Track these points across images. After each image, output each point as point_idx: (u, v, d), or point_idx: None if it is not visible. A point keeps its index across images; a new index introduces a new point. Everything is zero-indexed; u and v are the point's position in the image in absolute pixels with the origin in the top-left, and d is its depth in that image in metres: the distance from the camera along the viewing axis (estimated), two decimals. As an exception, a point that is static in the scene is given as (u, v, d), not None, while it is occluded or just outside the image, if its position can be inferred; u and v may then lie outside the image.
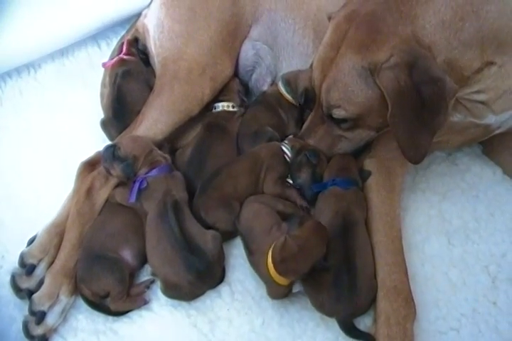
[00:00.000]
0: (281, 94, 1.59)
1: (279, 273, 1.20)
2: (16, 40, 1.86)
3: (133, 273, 1.38)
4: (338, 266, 1.23)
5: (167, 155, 1.47)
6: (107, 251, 1.35)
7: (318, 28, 1.61)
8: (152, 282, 1.37)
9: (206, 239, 1.31)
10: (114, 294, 1.31)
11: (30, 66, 1.95)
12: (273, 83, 1.68)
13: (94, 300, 1.33)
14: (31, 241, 1.42)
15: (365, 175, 1.39)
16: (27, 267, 1.37)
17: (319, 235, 1.21)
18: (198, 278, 1.27)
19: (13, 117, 1.84)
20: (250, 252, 1.32)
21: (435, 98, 1.16)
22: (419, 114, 1.17)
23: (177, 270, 1.26)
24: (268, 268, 1.22)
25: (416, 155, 1.23)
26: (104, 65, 1.77)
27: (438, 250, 1.38)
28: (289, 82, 1.58)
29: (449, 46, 1.17)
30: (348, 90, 1.23)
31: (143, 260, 1.39)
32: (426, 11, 1.17)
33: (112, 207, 1.45)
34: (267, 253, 1.23)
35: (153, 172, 1.41)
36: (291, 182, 1.44)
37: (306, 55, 1.64)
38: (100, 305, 1.33)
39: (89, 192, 1.45)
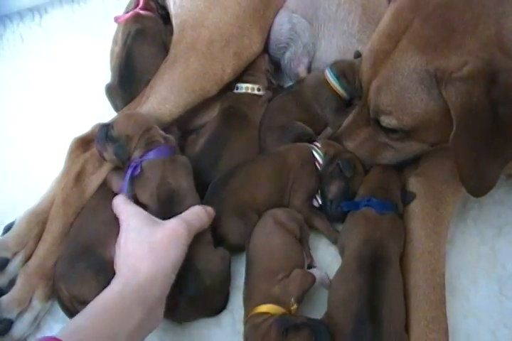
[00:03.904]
0: (326, 83, 1.32)
1: None
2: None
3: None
4: (360, 313, 0.99)
5: (170, 136, 1.22)
6: (95, 245, 1.13)
7: (368, 5, 1.35)
8: None
9: (209, 258, 1.08)
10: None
11: (35, 10, 1.74)
12: (310, 65, 1.41)
13: (69, 306, 1.11)
14: (7, 229, 1.22)
15: (408, 198, 1.14)
16: None
17: None
18: (190, 304, 1.05)
19: (9, 67, 1.65)
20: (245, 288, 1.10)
21: None
22: (491, 140, 0.93)
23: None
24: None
25: (478, 187, 1.00)
26: (116, 19, 1.53)
27: (486, 300, 1.13)
28: (344, 72, 1.31)
29: None
30: (405, 97, 0.99)
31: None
32: None
33: (107, 192, 1.23)
34: (251, 312, 1.02)
35: (150, 154, 1.16)
36: (319, 200, 1.21)
37: (349, 34, 1.37)
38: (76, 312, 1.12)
39: (80, 176, 1.23)
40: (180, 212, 1.08)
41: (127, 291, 0.94)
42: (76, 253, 1.13)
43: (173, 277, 0.99)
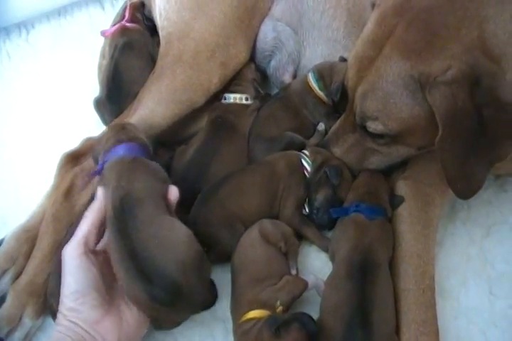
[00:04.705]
0: (310, 89, 1.32)
1: None
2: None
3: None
4: (351, 318, 0.99)
5: (143, 137, 1.14)
6: None
7: (353, 10, 1.33)
8: None
9: (174, 258, 0.96)
10: None
11: (22, 26, 1.75)
12: (295, 73, 1.41)
13: None
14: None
15: (396, 202, 1.14)
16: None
17: None
18: (167, 306, 0.97)
19: (-3, 85, 1.63)
20: (232, 299, 1.09)
21: (499, 126, 0.92)
22: (476, 143, 0.93)
23: (139, 295, 0.97)
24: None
25: (466, 189, 1.00)
26: (103, 33, 1.53)
27: (476, 301, 1.13)
28: (322, 75, 1.31)
29: None
30: (390, 102, 0.99)
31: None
32: (500, 13, 0.92)
33: None
34: (239, 320, 1.01)
35: (114, 151, 1.09)
36: (307, 208, 1.21)
37: (334, 40, 1.36)
38: None
39: (69, 192, 1.23)
40: (134, 221, 0.98)
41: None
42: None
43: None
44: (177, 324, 1.06)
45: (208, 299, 1.07)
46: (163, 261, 0.95)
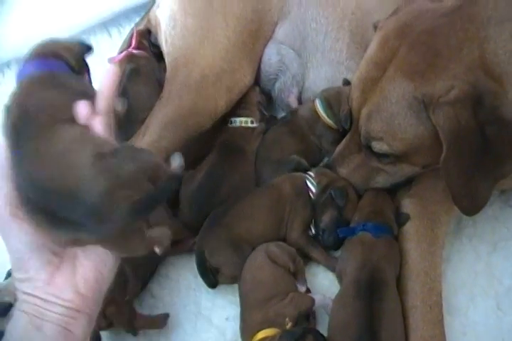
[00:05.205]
0: (318, 117, 1.35)
1: None
2: (17, 27, 1.72)
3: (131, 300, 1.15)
4: (360, 337, 1.00)
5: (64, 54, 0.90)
6: None
7: (355, 31, 1.36)
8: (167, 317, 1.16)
9: (74, 171, 0.73)
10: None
11: (32, 55, 1.76)
12: (300, 95, 1.44)
13: None
14: (11, 273, 1.22)
15: (402, 220, 1.16)
16: (2, 306, 1.13)
17: None
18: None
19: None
20: (241, 322, 1.10)
21: (502, 144, 0.94)
22: (480, 160, 0.95)
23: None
24: None
25: (471, 206, 1.01)
26: (111, 60, 1.55)
27: (484, 316, 1.13)
28: (330, 103, 1.33)
29: None
30: (394, 123, 1.01)
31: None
32: (500, 33, 0.94)
33: None
34: (252, 337, 1.02)
35: (21, 70, 0.87)
36: (313, 230, 1.23)
37: (338, 62, 1.39)
38: None
39: None
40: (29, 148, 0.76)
41: None
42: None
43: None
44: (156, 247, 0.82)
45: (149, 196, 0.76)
46: (67, 181, 0.73)
